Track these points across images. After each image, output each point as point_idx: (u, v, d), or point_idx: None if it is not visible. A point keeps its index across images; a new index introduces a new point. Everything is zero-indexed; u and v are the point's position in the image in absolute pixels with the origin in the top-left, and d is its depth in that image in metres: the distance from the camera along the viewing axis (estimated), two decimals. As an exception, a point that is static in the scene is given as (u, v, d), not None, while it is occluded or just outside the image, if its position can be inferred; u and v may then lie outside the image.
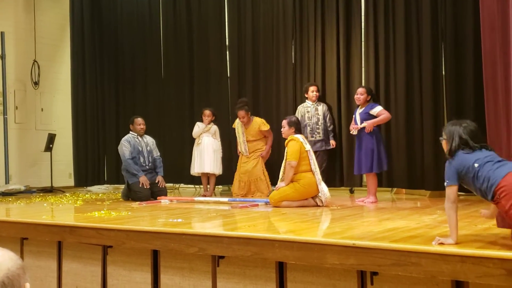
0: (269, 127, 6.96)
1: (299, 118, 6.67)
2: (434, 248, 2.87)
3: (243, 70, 8.09)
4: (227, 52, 8.30)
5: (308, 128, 6.84)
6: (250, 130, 6.95)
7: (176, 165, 8.28)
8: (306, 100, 6.98)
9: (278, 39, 7.72)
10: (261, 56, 7.92)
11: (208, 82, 8.43)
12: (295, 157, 5.47)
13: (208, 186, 7.35)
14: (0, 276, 1.36)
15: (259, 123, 6.95)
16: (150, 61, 9.07)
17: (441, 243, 2.91)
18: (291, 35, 7.62)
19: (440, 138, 3.15)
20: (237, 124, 7.07)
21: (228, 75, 8.29)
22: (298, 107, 7.06)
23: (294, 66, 7.57)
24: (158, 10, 9.05)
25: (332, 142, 6.90)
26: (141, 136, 6.99)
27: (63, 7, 9.65)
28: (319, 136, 6.85)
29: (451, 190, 2.95)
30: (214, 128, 7.34)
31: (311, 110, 6.91)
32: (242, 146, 6.97)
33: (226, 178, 7.69)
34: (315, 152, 6.21)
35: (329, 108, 7.05)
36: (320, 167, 5.96)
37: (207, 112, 7.30)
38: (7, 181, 8.52)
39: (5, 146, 8.56)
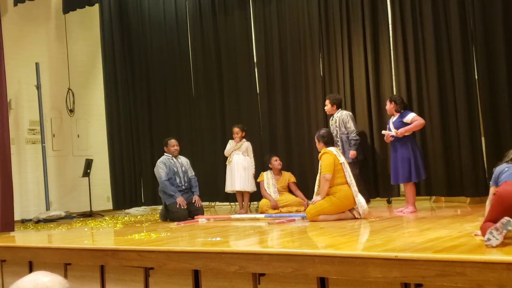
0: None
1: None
2: (479, 256, 2.81)
3: (272, 86, 8.12)
4: (256, 69, 8.36)
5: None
6: (279, 182, 7.06)
7: (210, 183, 8.35)
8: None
9: (306, 52, 7.74)
10: (289, 71, 7.95)
11: (238, 100, 8.50)
12: (329, 170, 5.44)
13: (243, 203, 7.36)
14: None
15: (288, 175, 7.10)
16: (180, 81, 9.20)
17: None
18: (318, 48, 7.63)
19: None
20: (266, 175, 7.13)
21: (258, 91, 8.34)
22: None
23: (323, 79, 7.57)
24: (186, 31, 9.20)
25: (352, 153, 6.48)
26: (175, 157, 7.07)
27: (94, 34, 9.90)
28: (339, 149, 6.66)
29: None
30: (246, 145, 7.34)
31: (332, 122, 6.75)
32: (272, 197, 6.94)
33: (258, 194, 7.71)
34: None
35: (349, 115, 6.69)
36: None
37: (235, 129, 7.30)
38: (47, 207, 8.71)
39: (44, 174, 8.77)
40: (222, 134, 8.44)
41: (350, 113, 6.74)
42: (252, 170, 7.32)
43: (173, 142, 7.10)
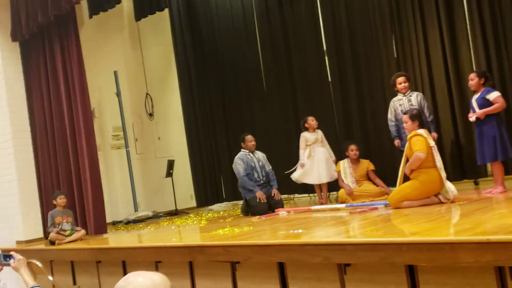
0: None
1: (393, 114, 6.47)
2: None
3: (343, 72, 8.00)
4: (326, 57, 8.26)
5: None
6: (357, 170, 6.91)
7: (288, 176, 8.35)
8: (398, 94, 6.52)
9: (377, 34, 7.56)
10: (361, 55, 7.79)
11: (310, 89, 8.45)
12: (424, 149, 5.18)
13: (322, 194, 7.30)
14: None
15: (366, 163, 6.93)
16: (252, 77, 9.27)
17: None
18: (390, 29, 7.42)
19: None
20: (342, 165, 7.00)
21: (329, 79, 8.24)
22: (390, 103, 6.58)
23: (397, 60, 7.35)
24: (254, 26, 9.25)
25: (434, 135, 6.01)
26: (252, 152, 7.15)
27: (166, 39, 10.20)
28: None
29: None
30: (320, 133, 7.23)
31: (404, 103, 6.41)
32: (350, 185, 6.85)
33: (337, 183, 7.63)
34: None
35: (425, 97, 6.48)
36: None
37: (311, 119, 7.18)
38: (136, 209, 9.09)
39: (130, 177, 9.16)
40: (296, 125, 8.40)
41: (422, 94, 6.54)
42: (333, 157, 7.22)
43: (250, 137, 7.18)
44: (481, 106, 5.50)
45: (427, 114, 6.32)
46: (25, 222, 7.70)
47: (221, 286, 4.55)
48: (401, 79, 6.43)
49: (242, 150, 7.21)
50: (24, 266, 3.55)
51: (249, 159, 7.08)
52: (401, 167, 5.49)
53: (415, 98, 6.37)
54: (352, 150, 6.96)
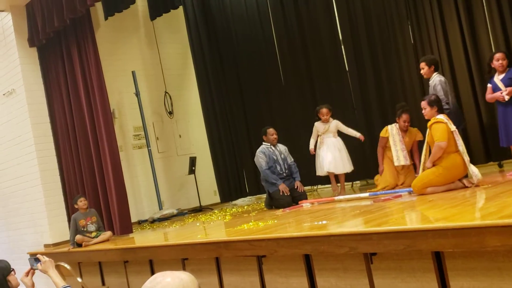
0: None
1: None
2: None
3: (361, 61, 7.93)
4: (342, 46, 8.20)
5: None
6: (406, 139, 6.50)
7: (309, 168, 8.31)
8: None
9: (393, 21, 7.48)
10: (377, 43, 7.72)
11: (328, 80, 8.40)
12: (444, 137, 5.12)
13: (338, 184, 7.21)
14: None
15: (415, 132, 6.53)
16: (269, 69, 9.25)
17: None
18: (405, 15, 7.33)
19: None
20: (391, 131, 6.58)
21: (347, 68, 8.18)
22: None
23: (414, 46, 7.26)
24: (269, 19, 9.21)
25: None
26: (274, 145, 7.14)
27: (182, 36, 10.24)
28: None
29: None
30: (334, 124, 7.06)
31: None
32: (400, 154, 6.47)
33: (360, 172, 7.59)
34: None
35: (441, 81, 6.07)
36: None
37: (325, 110, 7.01)
38: (160, 207, 9.17)
39: (153, 175, 9.24)
40: (315, 116, 8.35)
41: (442, 79, 6.06)
42: (357, 134, 7.04)
43: (271, 131, 7.16)
44: (508, 87, 5.39)
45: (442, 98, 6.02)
46: (51, 226, 7.84)
47: (248, 281, 4.57)
48: (421, 65, 6.23)
49: (263, 143, 7.21)
50: (52, 268, 3.61)
51: (271, 152, 7.08)
52: (423, 155, 5.44)
53: (432, 82, 6.14)
54: (405, 121, 6.45)
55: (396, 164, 6.49)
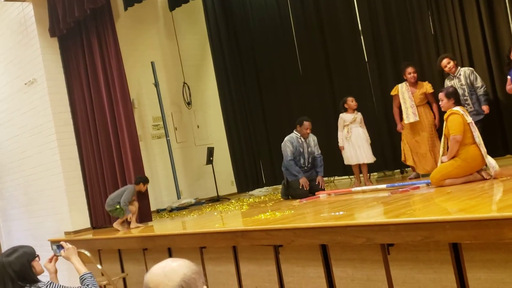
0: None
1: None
2: None
3: (380, 52, 7.88)
4: (361, 37, 8.16)
5: None
6: (416, 94, 6.62)
7: (327, 158, 8.29)
8: (449, 75, 6.40)
9: (413, 12, 7.40)
10: (397, 34, 7.65)
11: (346, 71, 8.36)
12: (460, 130, 5.13)
13: (361, 175, 7.25)
14: (178, 280, 1.61)
15: (426, 85, 6.64)
16: (287, 60, 9.24)
17: None
18: (426, 6, 7.26)
19: None
20: (401, 88, 6.74)
21: (366, 59, 8.14)
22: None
23: (434, 38, 7.20)
24: (287, 9, 9.20)
25: (484, 108, 6.11)
26: (305, 138, 7.07)
27: (200, 27, 10.27)
28: (470, 107, 6.18)
29: None
30: (360, 115, 7.17)
31: (455, 83, 6.26)
32: (409, 111, 6.58)
33: (379, 164, 7.57)
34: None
35: (474, 70, 6.33)
36: None
37: (351, 100, 7.13)
38: (178, 196, 9.26)
39: (172, 165, 9.32)
40: (333, 107, 8.35)
41: (472, 68, 6.35)
42: (368, 140, 7.18)
43: (307, 124, 6.95)
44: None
45: (479, 86, 6.19)
46: (72, 213, 7.96)
47: (265, 270, 4.62)
48: (445, 61, 6.34)
49: (294, 132, 7.08)
50: (74, 254, 3.70)
51: (299, 144, 7.00)
52: (441, 147, 5.43)
53: (463, 75, 6.26)
54: (410, 73, 6.62)
55: (406, 122, 6.65)
